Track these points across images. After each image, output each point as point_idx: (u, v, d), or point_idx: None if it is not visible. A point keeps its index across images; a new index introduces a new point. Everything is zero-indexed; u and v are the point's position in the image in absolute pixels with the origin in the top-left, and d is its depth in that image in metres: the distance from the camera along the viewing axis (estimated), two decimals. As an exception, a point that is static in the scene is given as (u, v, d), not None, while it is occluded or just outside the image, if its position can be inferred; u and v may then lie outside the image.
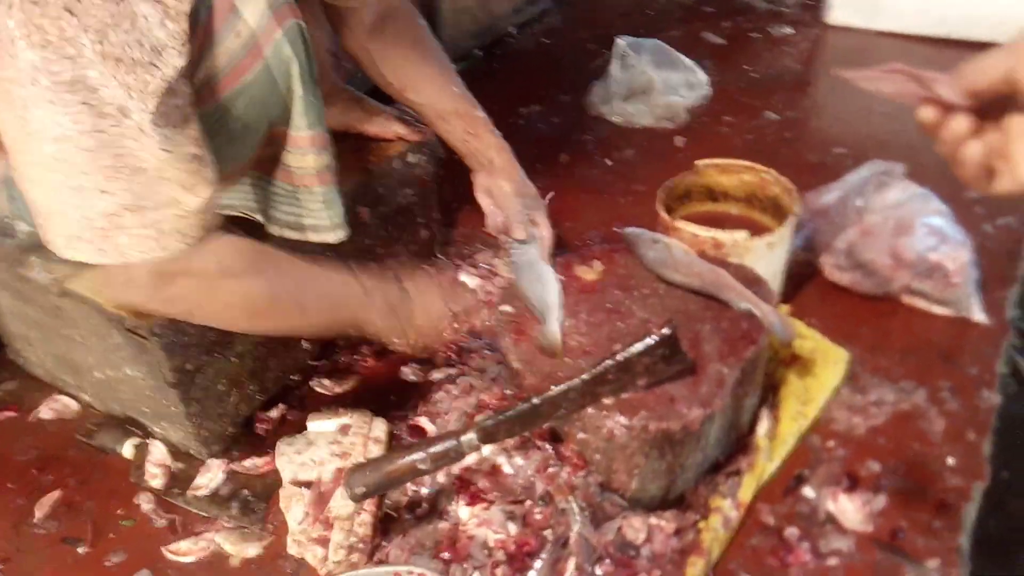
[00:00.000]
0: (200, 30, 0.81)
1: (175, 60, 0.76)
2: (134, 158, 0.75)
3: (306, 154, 0.99)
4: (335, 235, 1.08)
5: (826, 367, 1.22)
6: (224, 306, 0.93)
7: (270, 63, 0.88)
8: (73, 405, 1.27)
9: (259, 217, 1.10)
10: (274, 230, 1.08)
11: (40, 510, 1.12)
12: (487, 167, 1.28)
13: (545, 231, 1.25)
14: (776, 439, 1.11)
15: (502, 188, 1.27)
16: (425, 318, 1.08)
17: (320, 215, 1.05)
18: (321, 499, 1.07)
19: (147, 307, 0.95)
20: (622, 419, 0.95)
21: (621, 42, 1.97)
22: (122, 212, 0.77)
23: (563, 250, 1.26)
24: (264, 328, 1.04)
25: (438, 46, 1.28)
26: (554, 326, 1.07)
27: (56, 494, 1.14)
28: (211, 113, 0.87)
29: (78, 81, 0.71)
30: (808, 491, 1.07)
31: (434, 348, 1.12)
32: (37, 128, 0.72)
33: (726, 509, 1.02)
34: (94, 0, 0.69)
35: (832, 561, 0.99)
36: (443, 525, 1.02)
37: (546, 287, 1.13)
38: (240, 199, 1.08)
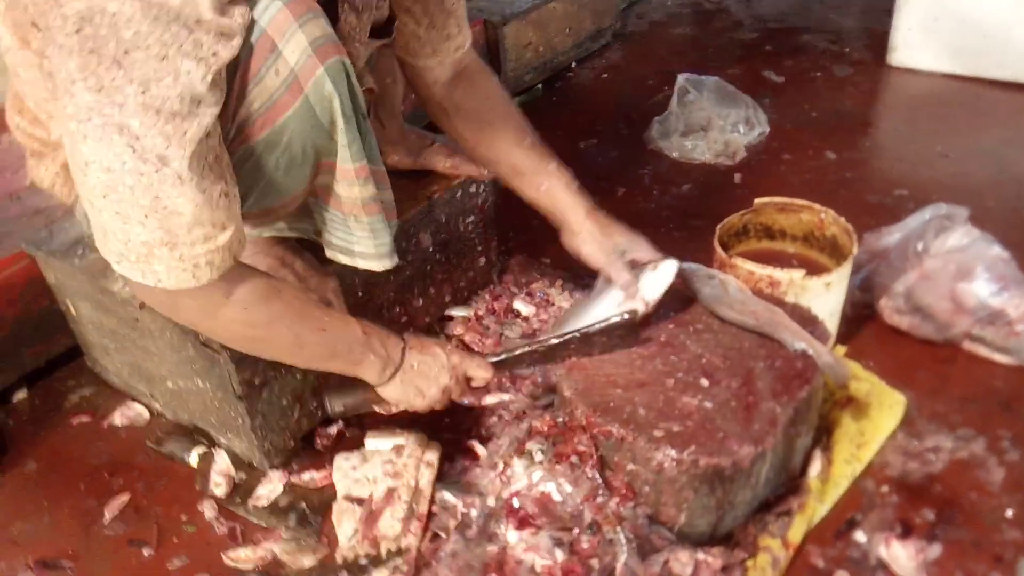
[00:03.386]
0: (240, 71, 0.86)
1: (212, 110, 0.82)
2: (172, 203, 0.82)
3: (352, 185, 1.01)
4: (381, 264, 1.10)
5: (882, 411, 1.20)
6: (224, 328, 0.96)
7: (311, 99, 0.92)
8: (145, 413, 1.34)
9: (320, 240, 1.13)
10: (329, 254, 1.12)
11: (109, 512, 1.18)
12: (563, 228, 1.23)
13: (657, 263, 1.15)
14: (828, 481, 1.11)
15: (584, 253, 1.20)
16: (420, 382, 1.08)
17: (367, 243, 1.08)
18: (371, 518, 1.10)
19: (159, 310, 0.97)
20: (672, 452, 0.96)
21: (682, 78, 2.00)
22: (158, 245, 0.84)
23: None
24: (260, 352, 1.05)
25: (509, 101, 1.27)
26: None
27: (124, 497, 1.20)
28: (255, 148, 0.92)
29: (124, 127, 0.78)
30: (859, 536, 1.06)
31: (424, 409, 1.11)
32: (92, 159, 0.80)
33: (775, 549, 1.01)
34: (138, 56, 0.76)
35: (883, 608, 0.98)
36: (491, 548, 1.04)
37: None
38: (304, 223, 1.13)
